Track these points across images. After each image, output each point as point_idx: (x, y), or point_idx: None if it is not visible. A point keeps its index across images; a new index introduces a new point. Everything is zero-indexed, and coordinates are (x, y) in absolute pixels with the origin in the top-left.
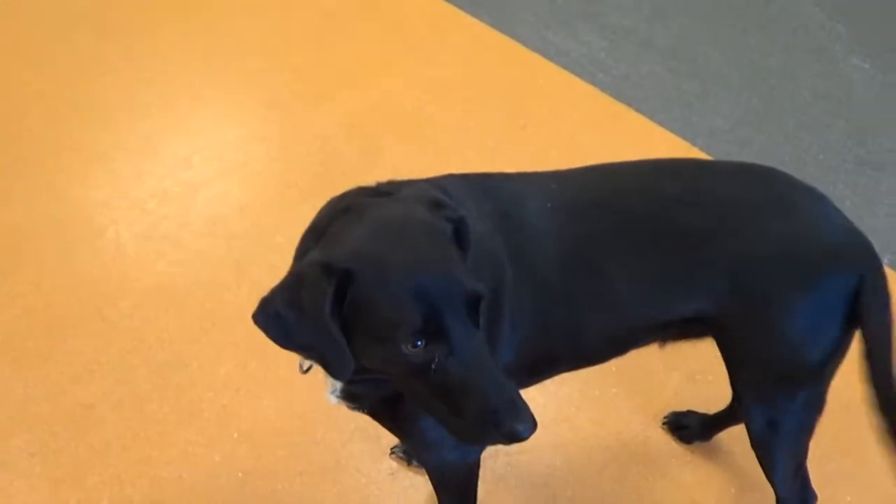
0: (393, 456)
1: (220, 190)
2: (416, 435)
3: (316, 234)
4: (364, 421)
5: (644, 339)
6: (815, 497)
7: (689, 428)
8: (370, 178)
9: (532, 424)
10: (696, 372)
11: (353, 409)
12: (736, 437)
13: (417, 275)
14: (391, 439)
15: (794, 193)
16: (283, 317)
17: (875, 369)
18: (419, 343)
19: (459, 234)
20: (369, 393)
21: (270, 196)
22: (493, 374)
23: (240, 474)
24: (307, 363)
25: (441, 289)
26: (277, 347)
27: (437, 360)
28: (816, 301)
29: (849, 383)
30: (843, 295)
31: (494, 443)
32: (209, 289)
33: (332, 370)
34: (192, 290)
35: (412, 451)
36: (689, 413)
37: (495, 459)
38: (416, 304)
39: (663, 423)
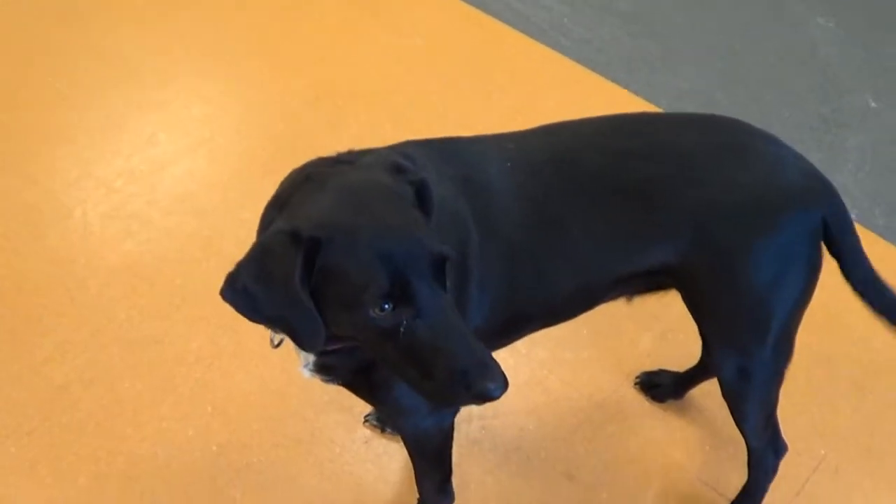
0: (366, 424)
1: (186, 167)
2: (390, 402)
3: (279, 206)
4: (337, 392)
5: (610, 292)
6: (785, 447)
7: (661, 386)
8: (336, 150)
9: (503, 383)
10: (666, 331)
11: (327, 381)
12: (708, 394)
13: (383, 239)
14: (364, 408)
15: (750, 140)
16: (250, 290)
17: (862, 281)
18: (386, 306)
19: (421, 198)
20: (342, 364)
21: (237, 171)
22: (462, 334)
23: (214, 448)
24: (278, 337)
25: (406, 252)
26: (248, 322)
27: (404, 322)
28: (780, 245)
29: (820, 338)
30: (806, 237)
31: (466, 403)
32: (178, 265)
33: (303, 341)
34: (161, 267)
35: (387, 419)
36: (661, 372)
37: (469, 424)
38: (382, 267)
39: (636, 383)
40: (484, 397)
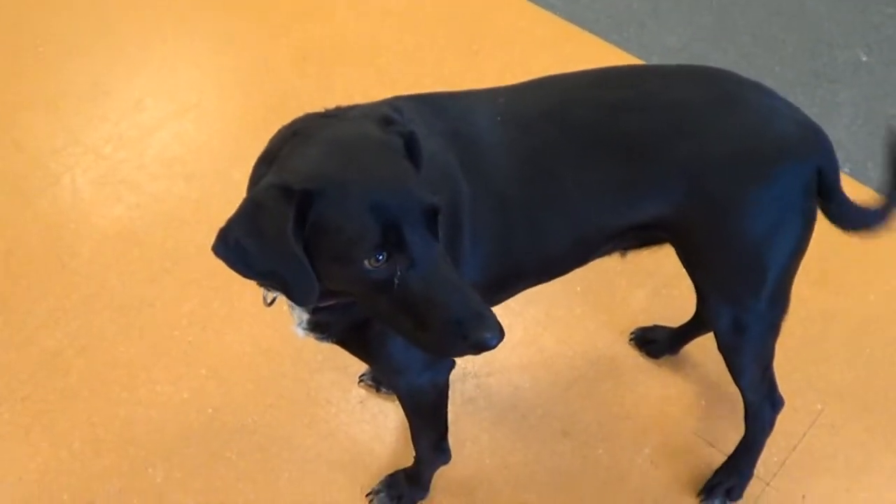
0: (361, 384)
1: (174, 130)
2: (384, 359)
3: (268, 161)
4: (332, 352)
5: (604, 246)
6: (782, 401)
7: (656, 342)
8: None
9: (499, 332)
10: (660, 287)
11: (321, 339)
12: (703, 349)
13: (374, 190)
14: (359, 368)
15: (742, 90)
16: (242, 245)
17: (846, 215)
18: (380, 257)
19: (410, 150)
20: (336, 321)
21: (225, 134)
22: (456, 284)
23: (209, 410)
24: (271, 295)
25: (398, 203)
26: (241, 282)
27: (398, 273)
28: (774, 195)
29: (816, 293)
30: (800, 187)
31: (463, 353)
32: (169, 229)
33: (296, 296)
34: (151, 231)
35: (382, 377)
36: (656, 327)
37: (464, 382)
38: (374, 219)
39: (630, 339)
40: (480, 346)
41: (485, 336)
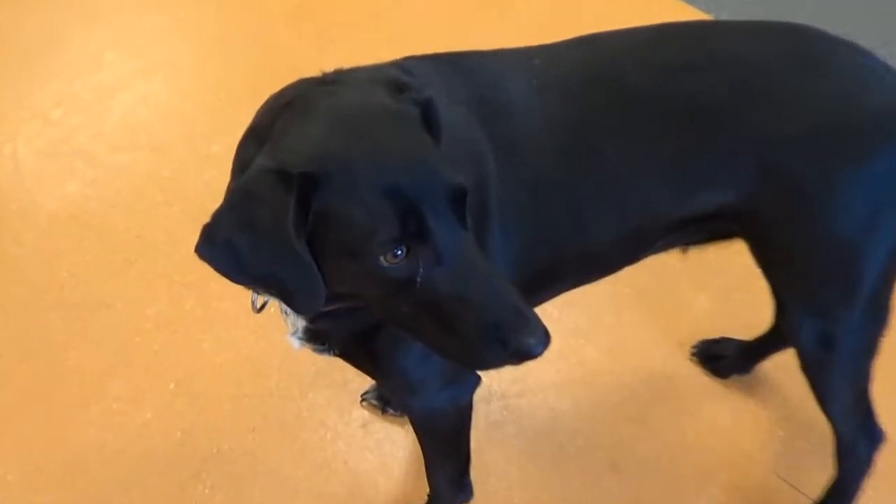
0: (364, 404)
1: (141, 93)
2: (396, 374)
3: (258, 139)
4: (328, 364)
5: (660, 240)
6: (882, 435)
7: (724, 358)
8: (323, 71)
9: (545, 337)
10: (729, 289)
11: (320, 351)
12: (783, 367)
13: (389, 171)
14: (362, 384)
15: (830, 49)
16: (234, 244)
17: None
18: (399, 252)
19: (428, 120)
20: (338, 329)
21: (203, 99)
22: (491, 279)
23: (178, 433)
24: (261, 300)
25: (419, 185)
26: (220, 278)
27: (421, 270)
28: (872, 179)
29: None
30: None
31: (501, 363)
32: (133, 213)
33: (299, 303)
34: (111, 214)
35: (392, 396)
36: (724, 340)
37: (489, 403)
38: (391, 205)
39: (692, 354)
40: (523, 354)
41: (528, 341)
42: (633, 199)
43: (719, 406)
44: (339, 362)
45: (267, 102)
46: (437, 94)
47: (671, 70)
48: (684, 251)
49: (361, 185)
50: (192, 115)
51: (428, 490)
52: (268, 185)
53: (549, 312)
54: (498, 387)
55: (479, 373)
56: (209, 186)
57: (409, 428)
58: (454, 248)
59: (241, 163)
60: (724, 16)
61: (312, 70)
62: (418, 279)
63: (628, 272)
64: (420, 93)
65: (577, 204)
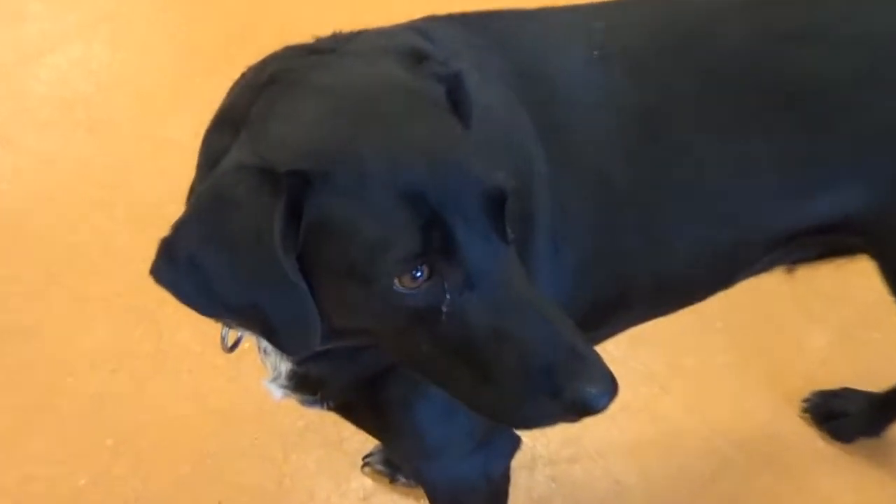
0: (367, 469)
1: (76, 55)
2: (410, 435)
3: (232, 125)
4: (319, 417)
5: (760, 259)
6: None
7: (845, 416)
8: (316, 36)
9: (611, 385)
10: (851, 325)
11: (310, 403)
12: None
13: (406, 167)
14: (361, 444)
15: None
16: (202, 263)
17: None
18: (419, 273)
19: (455, 102)
20: (336, 374)
21: (159, 65)
22: (540, 308)
23: None
24: (234, 335)
25: (444, 186)
26: (179, 304)
27: (448, 297)
28: None
29: None
30: None
31: (553, 420)
32: (60, 213)
33: (286, 339)
34: (34, 215)
35: (403, 462)
36: (845, 392)
37: (532, 472)
38: (408, 211)
39: (803, 410)
40: (581, 408)
41: (588, 391)
42: (727, 208)
43: (839, 480)
44: (334, 415)
45: (244, 76)
46: (468, 68)
47: (777, 39)
48: (790, 271)
49: (370, 186)
50: (143, 86)
51: None
52: (247, 187)
53: (611, 352)
54: (544, 450)
55: (520, 433)
56: (165, 180)
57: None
58: (490, 268)
59: (211, 156)
60: None
61: (304, 33)
62: (444, 308)
63: (717, 300)
64: (445, 66)
65: (651, 213)
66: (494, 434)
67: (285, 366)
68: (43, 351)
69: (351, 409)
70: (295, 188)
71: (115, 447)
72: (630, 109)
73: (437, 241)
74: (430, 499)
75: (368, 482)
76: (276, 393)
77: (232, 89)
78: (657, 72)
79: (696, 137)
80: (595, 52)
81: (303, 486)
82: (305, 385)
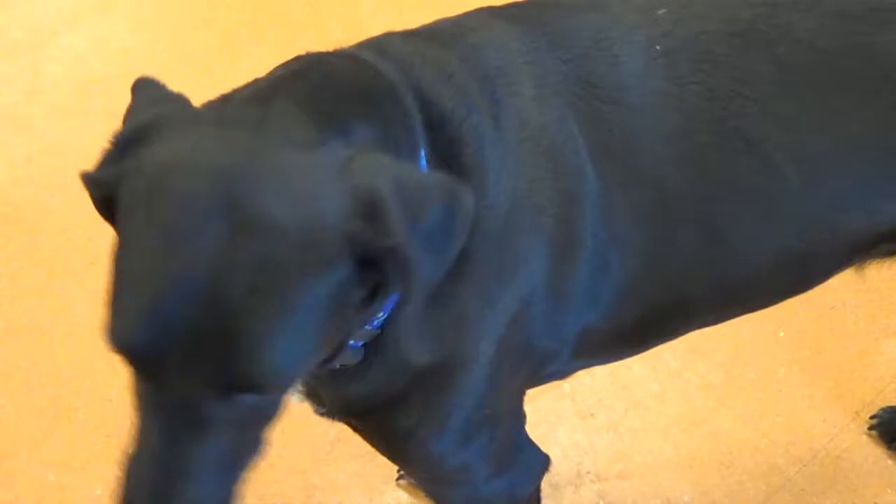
0: (402, 482)
1: (92, 35)
2: (421, 465)
3: None
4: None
5: (837, 262)
6: None
7: None
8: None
9: None
10: None
11: (321, 414)
12: None
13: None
14: None
15: None
16: None
17: None
18: None
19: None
20: (331, 391)
21: (182, 46)
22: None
23: None
24: None
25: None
26: None
27: None
28: None
29: None
30: None
31: None
32: (80, 204)
33: None
34: (48, 206)
35: (423, 486)
36: None
37: (578, 489)
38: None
39: (871, 427)
40: None
41: None
42: (807, 210)
43: None
44: None
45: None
46: (512, 81)
47: (857, 17)
48: (859, 268)
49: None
50: (165, 68)
51: None
52: None
53: (667, 362)
54: (592, 465)
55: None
56: None
57: None
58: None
59: None
60: None
61: (335, 9)
62: None
63: (780, 307)
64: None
65: (717, 221)
66: (519, 456)
67: None
68: (59, 351)
69: (363, 430)
70: None
71: (108, 440)
72: (695, 110)
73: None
74: None
75: (403, 496)
76: (294, 396)
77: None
78: (727, 64)
79: (772, 135)
80: (658, 47)
81: (334, 499)
82: (314, 396)
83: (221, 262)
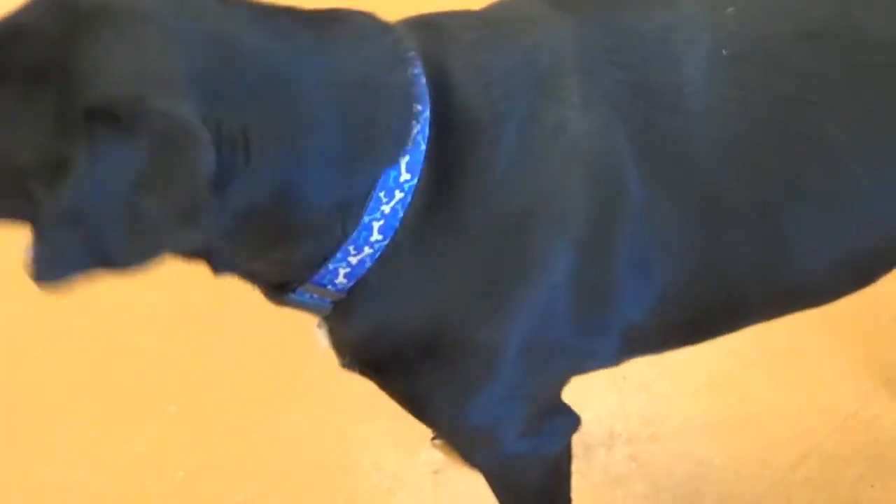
0: (437, 442)
1: None
2: (446, 427)
3: None
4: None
5: None
6: None
7: None
8: None
9: None
10: None
11: (345, 366)
12: None
13: None
14: None
15: None
16: None
17: None
18: None
19: None
20: (354, 337)
21: None
22: None
23: (180, 473)
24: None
25: None
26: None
27: None
28: None
29: None
30: None
31: None
32: None
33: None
34: None
35: (450, 444)
36: None
37: (610, 450)
38: None
39: None
40: None
41: None
42: (875, 211)
43: None
44: None
45: None
46: (571, 96)
47: None
48: None
49: None
50: None
51: None
52: None
53: None
54: (623, 427)
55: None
56: None
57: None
58: None
59: None
60: None
61: None
62: None
63: None
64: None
65: (780, 226)
66: (551, 419)
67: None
68: (98, 311)
69: (381, 382)
70: None
71: (178, 415)
72: (760, 117)
73: None
74: (485, 478)
75: (438, 455)
76: (323, 341)
77: None
78: (796, 68)
79: (842, 140)
80: (723, 51)
81: (368, 458)
82: (337, 347)
83: None
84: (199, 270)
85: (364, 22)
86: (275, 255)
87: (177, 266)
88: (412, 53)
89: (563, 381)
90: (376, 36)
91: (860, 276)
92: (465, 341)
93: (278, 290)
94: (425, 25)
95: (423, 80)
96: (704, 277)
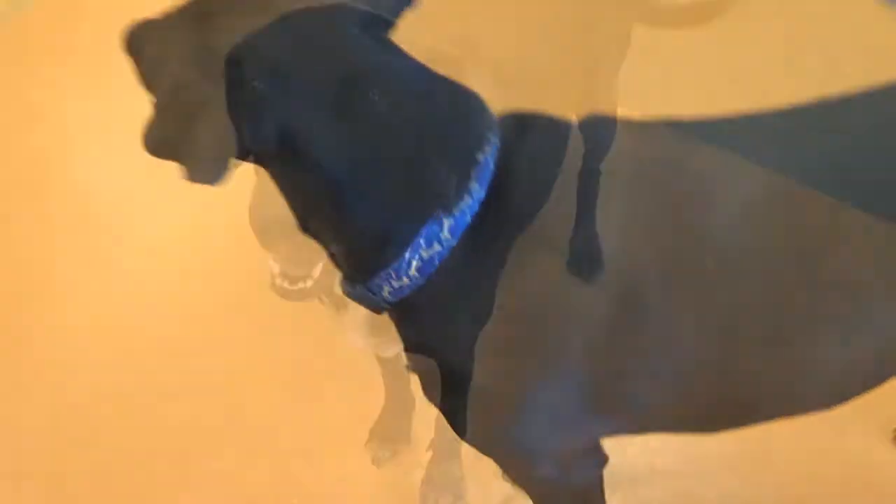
0: (506, 477)
1: None
2: (502, 442)
3: None
4: None
5: None
6: None
7: None
8: None
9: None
10: None
11: (385, 348)
12: None
13: None
14: None
15: None
16: None
17: None
18: None
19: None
20: (410, 322)
21: None
22: None
23: None
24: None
25: None
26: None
27: None
28: None
29: None
30: None
31: None
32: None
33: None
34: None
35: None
36: None
37: (651, 486)
38: None
39: None
40: None
41: None
42: (891, 329)
43: None
44: None
45: None
46: (609, 214)
47: None
48: None
49: None
50: None
51: None
52: None
53: None
54: (663, 464)
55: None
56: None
57: None
58: None
59: None
60: None
61: None
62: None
63: None
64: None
65: (795, 346)
66: (577, 454)
67: (360, 309)
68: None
69: (426, 387)
70: None
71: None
72: (783, 261)
73: None
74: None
75: (509, 487)
76: (358, 342)
77: None
78: (823, 212)
79: (864, 273)
80: (755, 198)
81: (446, 491)
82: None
83: None
84: None
85: (472, 97)
86: (336, 248)
87: None
88: (494, 138)
89: (595, 440)
90: (476, 115)
91: (870, 383)
92: (487, 388)
93: (344, 279)
94: (518, 119)
95: (491, 165)
96: (719, 384)
